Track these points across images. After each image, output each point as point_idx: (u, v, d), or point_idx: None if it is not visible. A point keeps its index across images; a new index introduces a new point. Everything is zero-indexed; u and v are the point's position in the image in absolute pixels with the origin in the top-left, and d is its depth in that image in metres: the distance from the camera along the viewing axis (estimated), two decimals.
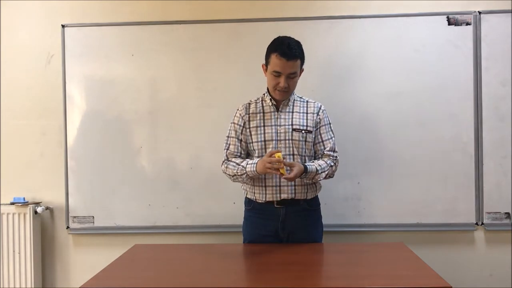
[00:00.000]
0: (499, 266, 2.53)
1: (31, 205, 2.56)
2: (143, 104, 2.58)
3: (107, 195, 2.58)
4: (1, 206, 2.58)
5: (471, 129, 2.49)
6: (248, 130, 2.04)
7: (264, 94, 2.08)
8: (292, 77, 1.93)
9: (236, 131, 2.05)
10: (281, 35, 1.98)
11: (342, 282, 1.50)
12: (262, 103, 2.06)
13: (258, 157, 2.01)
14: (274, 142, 1.99)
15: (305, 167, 1.90)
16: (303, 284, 1.51)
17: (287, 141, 1.98)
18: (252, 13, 2.55)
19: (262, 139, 2.00)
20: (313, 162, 1.99)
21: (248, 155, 2.10)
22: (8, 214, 2.57)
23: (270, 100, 2.02)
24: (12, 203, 2.58)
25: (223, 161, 2.07)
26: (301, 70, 2.00)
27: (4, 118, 2.64)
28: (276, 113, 2.02)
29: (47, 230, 2.68)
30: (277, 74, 1.92)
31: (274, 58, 1.90)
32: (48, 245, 2.67)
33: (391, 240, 2.44)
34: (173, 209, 2.57)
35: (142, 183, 2.58)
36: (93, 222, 2.60)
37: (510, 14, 2.47)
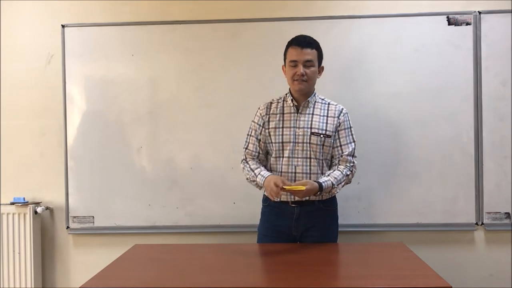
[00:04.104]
0: (499, 266, 2.53)
1: (31, 205, 2.56)
2: (143, 104, 2.58)
3: (107, 195, 2.58)
4: (1, 206, 2.58)
5: (471, 129, 2.49)
6: (267, 130, 2.04)
7: (286, 94, 2.08)
8: (309, 65, 1.96)
9: (255, 130, 2.06)
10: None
11: (342, 282, 1.50)
12: (283, 103, 2.06)
13: (275, 157, 2.02)
14: (291, 144, 1.98)
15: (320, 185, 1.87)
16: (303, 284, 1.51)
17: (304, 144, 1.98)
18: (252, 13, 2.55)
19: (280, 140, 2.00)
20: (328, 175, 1.95)
21: (268, 153, 2.10)
22: (8, 214, 2.57)
23: (292, 100, 2.02)
24: (12, 203, 2.58)
25: (242, 160, 2.09)
26: (321, 67, 2.04)
27: (4, 118, 2.64)
28: (296, 114, 2.01)
29: (47, 230, 2.68)
30: (294, 64, 1.96)
31: (290, 50, 1.98)
32: (48, 245, 2.67)
33: (391, 240, 2.44)
34: (173, 209, 2.57)
35: (142, 183, 2.58)
36: (93, 222, 2.60)
37: (510, 14, 2.47)
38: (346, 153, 2.01)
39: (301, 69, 1.95)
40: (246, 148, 2.08)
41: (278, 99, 2.08)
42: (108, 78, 2.58)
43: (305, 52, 1.95)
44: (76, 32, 2.59)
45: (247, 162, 2.06)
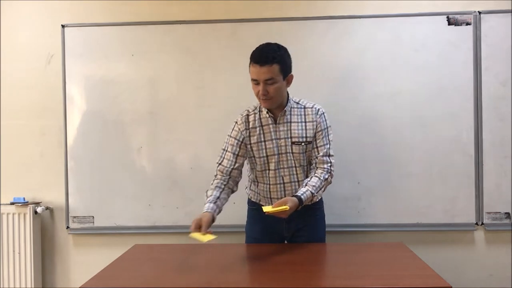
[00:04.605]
0: (499, 266, 2.53)
1: (31, 205, 2.56)
2: (143, 104, 2.58)
3: (107, 195, 2.58)
4: (1, 206, 2.58)
5: (471, 129, 2.49)
6: (249, 146, 1.97)
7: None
8: (270, 83, 1.83)
9: (233, 146, 1.97)
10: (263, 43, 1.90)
11: (342, 282, 1.50)
12: (260, 114, 1.97)
13: (261, 170, 1.99)
14: (276, 156, 1.96)
15: (300, 199, 1.82)
16: (303, 284, 1.51)
17: (288, 154, 1.96)
18: (252, 13, 2.55)
19: (264, 154, 1.97)
20: (306, 185, 1.89)
21: (251, 167, 2.06)
22: (8, 214, 2.57)
23: (267, 112, 1.95)
24: (12, 203, 2.58)
25: (214, 175, 1.99)
26: (289, 76, 1.90)
27: (4, 118, 2.64)
28: (274, 125, 1.95)
29: (47, 230, 2.68)
30: (256, 82, 1.85)
31: (251, 67, 1.86)
32: (48, 245, 2.67)
33: (391, 240, 2.44)
34: (173, 209, 2.57)
35: (142, 183, 2.58)
36: (93, 222, 2.60)
37: (510, 14, 2.47)
38: (321, 154, 1.95)
39: (262, 89, 1.83)
40: (220, 164, 1.97)
41: (254, 110, 1.99)
42: (108, 78, 2.58)
43: (263, 71, 1.81)
44: (76, 32, 2.59)
45: (213, 182, 1.95)
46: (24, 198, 2.60)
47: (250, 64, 1.87)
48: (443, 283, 1.46)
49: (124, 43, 2.58)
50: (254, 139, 1.96)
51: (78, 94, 2.60)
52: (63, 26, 2.59)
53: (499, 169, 2.49)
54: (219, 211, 1.89)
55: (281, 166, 1.98)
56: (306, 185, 1.90)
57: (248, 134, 1.97)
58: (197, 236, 1.69)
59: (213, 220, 1.80)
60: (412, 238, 2.48)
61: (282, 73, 1.85)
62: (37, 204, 2.61)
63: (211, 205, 1.85)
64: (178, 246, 2.25)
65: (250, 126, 1.97)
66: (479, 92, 2.48)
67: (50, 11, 2.62)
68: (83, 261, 2.64)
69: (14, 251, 2.57)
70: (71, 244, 2.66)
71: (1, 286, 2.56)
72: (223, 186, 1.94)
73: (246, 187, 2.19)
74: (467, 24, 2.48)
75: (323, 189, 1.94)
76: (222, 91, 2.56)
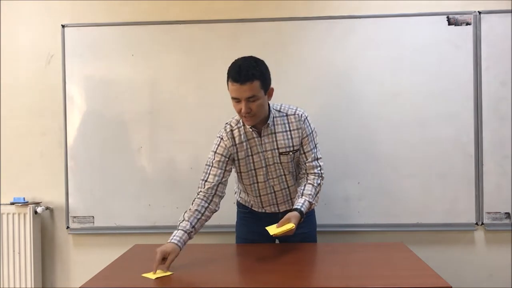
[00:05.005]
0: (499, 266, 2.53)
1: (31, 205, 2.56)
2: (143, 104, 2.58)
3: (107, 195, 2.58)
4: (1, 206, 2.58)
5: (471, 129, 2.49)
6: (237, 161, 1.93)
7: None
8: (252, 100, 1.76)
9: (220, 162, 1.89)
10: (239, 57, 1.83)
11: (342, 282, 1.50)
12: (244, 128, 1.90)
13: (250, 184, 1.97)
14: (264, 168, 1.94)
15: (300, 211, 1.81)
16: (303, 284, 1.51)
17: (276, 165, 1.93)
18: (252, 13, 2.55)
19: (252, 168, 1.94)
20: (302, 195, 1.87)
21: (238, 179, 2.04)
22: (8, 214, 2.57)
23: (250, 127, 1.88)
24: (12, 203, 2.58)
25: (197, 192, 1.88)
26: (269, 90, 1.84)
27: (4, 118, 2.65)
28: (259, 138, 1.90)
29: (47, 230, 2.68)
30: (237, 101, 1.78)
31: (229, 84, 1.77)
32: (48, 245, 2.67)
33: (391, 240, 2.44)
34: (173, 209, 2.57)
35: (142, 183, 2.58)
36: (93, 222, 2.60)
37: (510, 14, 2.47)
38: (310, 159, 1.93)
39: (245, 107, 1.75)
40: (206, 181, 1.87)
41: (237, 124, 1.92)
42: (108, 78, 2.58)
43: (244, 89, 1.73)
44: (76, 32, 2.59)
45: (194, 201, 1.86)
46: (24, 198, 2.60)
47: (228, 81, 1.78)
48: (443, 283, 1.46)
49: (124, 43, 2.58)
50: (242, 155, 1.91)
51: (78, 94, 2.60)
52: (63, 26, 2.59)
53: (499, 169, 2.49)
54: (186, 242, 1.78)
55: (270, 177, 1.96)
56: (302, 195, 1.88)
57: (235, 150, 1.91)
58: (149, 275, 1.59)
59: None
60: (412, 238, 2.48)
61: (263, 89, 1.79)
62: (37, 204, 2.60)
63: (184, 235, 1.75)
64: None
65: (237, 141, 1.91)
66: (479, 92, 2.48)
67: (50, 11, 2.62)
68: (83, 261, 2.64)
69: (14, 251, 2.57)
70: (71, 244, 2.66)
71: (1, 286, 2.56)
72: (203, 210, 1.84)
73: (235, 192, 2.18)
74: (467, 24, 2.48)
75: (318, 194, 1.93)
76: (222, 91, 2.53)
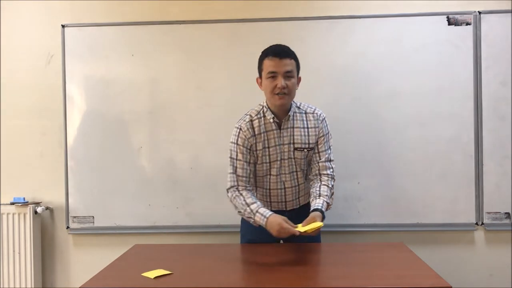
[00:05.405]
0: (499, 266, 2.53)
1: (31, 205, 2.56)
2: (143, 104, 2.58)
3: (107, 195, 2.58)
4: (1, 206, 2.58)
5: (471, 129, 2.49)
6: (255, 152, 1.94)
7: (263, 108, 1.96)
8: (289, 75, 1.83)
9: (243, 154, 1.91)
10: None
11: (342, 282, 1.50)
12: (263, 120, 1.93)
13: (262, 176, 1.98)
14: (278, 162, 1.95)
15: (322, 211, 1.84)
16: (303, 284, 1.51)
17: (290, 160, 1.96)
18: (252, 13, 2.55)
19: (267, 160, 1.95)
20: (320, 196, 1.89)
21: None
22: (8, 214, 2.57)
23: (272, 118, 1.91)
24: (12, 203, 2.58)
25: (231, 187, 1.92)
26: (299, 78, 1.92)
27: (4, 118, 2.65)
28: (278, 131, 1.93)
29: (47, 230, 2.68)
30: (274, 75, 1.83)
31: (266, 61, 1.85)
32: (48, 245, 2.67)
33: (391, 240, 2.44)
34: (173, 209, 2.57)
35: (142, 183, 2.58)
36: (93, 222, 2.60)
37: (510, 14, 2.47)
38: (323, 159, 1.96)
39: (281, 81, 1.81)
40: (235, 173, 1.91)
41: (256, 115, 1.94)
42: (108, 78, 2.58)
43: (284, 63, 1.82)
44: (76, 32, 2.59)
45: (239, 192, 1.90)
46: (24, 198, 2.60)
47: (264, 59, 1.86)
48: (443, 283, 1.46)
49: (124, 43, 2.58)
50: (260, 146, 1.93)
51: (78, 94, 2.60)
52: (63, 26, 2.59)
53: (499, 169, 2.49)
54: None
55: (283, 172, 1.98)
56: (320, 195, 1.89)
57: (254, 141, 1.93)
58: (149, 274, 1.59)
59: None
60: (412, 238, 2.48)
61: (297, 71, 1.88)
62: (37, 204, 2.61)
63: (264, 209, 1.84)
64: (178, 246, 2.25)
65: (256, 132, 1.92)
66: (479, 92, 2.48)
67: (50, 11, 2.62)
68: (83, 261, 2.64)
69: (14, 251, 2.57)
70: (71, 244, 2.66)
71: (1, 286, 2.56)
72: (254, 197, 1.90)
73: None
74: (467, 24, 2.48)
75: (333, 196, 1.96)
76: (222, 91, 2.56)
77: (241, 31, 2.55)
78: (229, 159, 1.95)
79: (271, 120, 1.91)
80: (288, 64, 1.83)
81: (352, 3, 2.54)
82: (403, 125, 2.51)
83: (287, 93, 1.84)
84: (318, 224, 1.74)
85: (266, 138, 1.93)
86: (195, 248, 2.04)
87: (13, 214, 2.57)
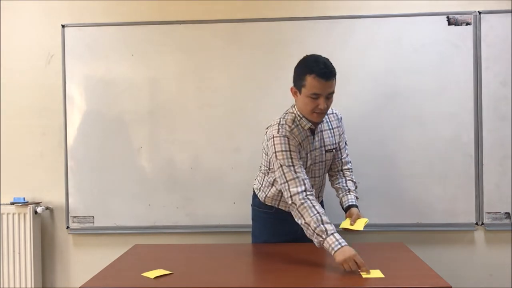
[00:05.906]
0: (499, 266, 2.53)
1: (31, 205, 2.56)
2: (143, 104, 2.58)
3: (107, 195, 2.58)
4: (1, 206, 2.58)
5: (471, 129, 2.49)
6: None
7: (297, 116, 1.90)
8: (330, 97, 1.81)
9: (298, 159, 1.83)
10: (308, 54, 1.85)
11: (342, 282, 1.50)
12: (299, 128, 1.90)
13: None
14: (310, 167, 1.96)
15: (357, 207, 1.97)
16: (303, 284, 1.51)
17: (321, 163, 1.99)
18: (252, 13, 2.55)
19: (305, 166, 1.93)
20: (349, 191, 2.02)
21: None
22: (8, 214, 2.57)
23: (310, 126, 1.89)
24: (12, 203, 2.58)
25: (300, 192, 1.76)
26: None
27: (4, 118, 2.65)
28: (311, 136, 1.93)
29: (47, 230, 2.68)
30: (316, 96, 1.78)
31: (311, 80, 1.75)
32: (48, 245, 2.67)
33: (391, 240, 2.44)
34: (173, 209, 2.57)
35: (142, 183, 2.58)
36: (93, 222, 2.60)
37: (510, 14, 2.47)
38: (345, 155, 2.09)
39: (324, 103, 1.78)
40: (299, 178, 1.78)
41: (292, 123, 1.89)
42: (108, 78, 2.58)
43: (329, 85, 1.76)
44: (76, 32, 2.59)
45: (310, 202, 1.74)
46: (24, 198, 2.60)
47: (307, 75, 1.76)
48: (443, 283, 1.46)
49: (124, 43, 2.58)
50: (302, 153, 1.91)
51: (78, 94, 2.60)
52: (63, 26, 2.59)
53: (499, 169, 2.49)
54: None
55: (316, 175, 2.00)
56: (349, 191, 2.02)
57: (300, 148, 1.90)
58: (149, 274, 1.61)
59: None
60: (412, 238, 2.48)
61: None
62: (37, 204, 2.60)
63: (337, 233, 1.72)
64: (178, 246, 2.25)
65: (299, 141, 1.89)
66: (479, 92, 2.48)
67: (50, 11, 2.62)
68: (83, 261, 2.64)
69: (14, 251, 2.57)
70: (71, 244, 2.66)
71: (1, 286, 2.56)
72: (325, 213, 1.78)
73: (258, 190, 2.10)
74: (467, 24, 2.48)
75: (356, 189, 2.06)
76: (222, 91, 2.56)
77: (241, 31, 2.55)
78: (279, 169, 1.81)
79: (307, 128, 1.90)
80: (332, 85, 1.79)
81: (352, 3, 2.54)
82: (403, 125, 2.51)
83: (325, 112, 1.85)
84: (365, 219, 1.88)
85: (303, 145, 1.92)
86: (195, 248, 2.04)
87: (13, 214, 2.57)
